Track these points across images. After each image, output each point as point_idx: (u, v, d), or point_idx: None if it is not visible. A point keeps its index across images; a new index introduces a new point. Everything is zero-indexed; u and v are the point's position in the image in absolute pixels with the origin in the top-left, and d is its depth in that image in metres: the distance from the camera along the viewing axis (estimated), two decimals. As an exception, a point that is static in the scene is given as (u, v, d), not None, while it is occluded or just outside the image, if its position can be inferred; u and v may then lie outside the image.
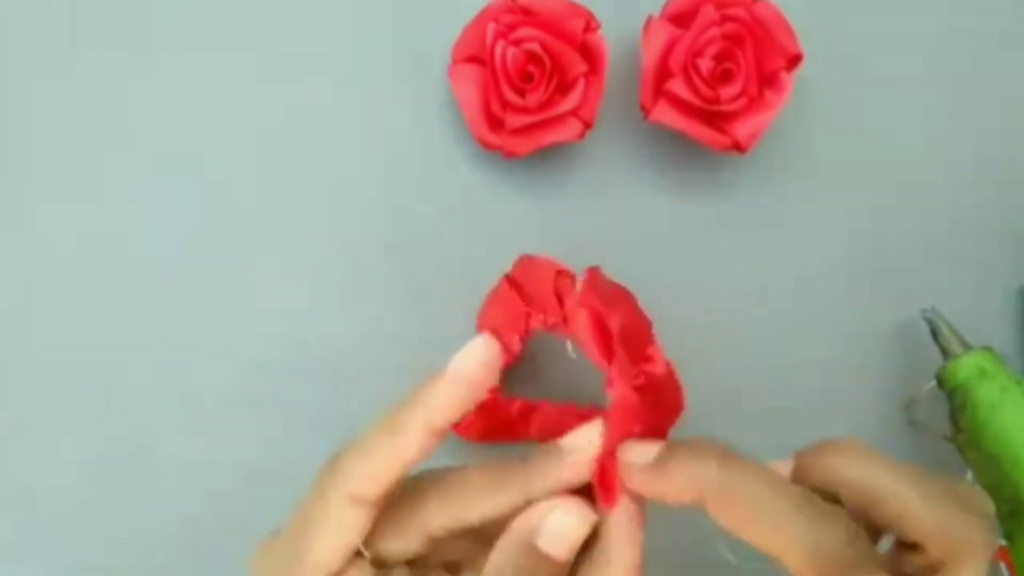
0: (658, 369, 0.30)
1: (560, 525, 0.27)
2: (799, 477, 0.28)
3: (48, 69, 0.41)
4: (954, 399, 0.37)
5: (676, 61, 0.37)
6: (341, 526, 0.27)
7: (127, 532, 0.40)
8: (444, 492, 0.28)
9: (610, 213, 0.41)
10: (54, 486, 0.40)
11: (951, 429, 0.38)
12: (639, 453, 0.27)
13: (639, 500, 0.27)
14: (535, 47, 0.37)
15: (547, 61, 0.37)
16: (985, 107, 0.42)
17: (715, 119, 0.38)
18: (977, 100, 0.42)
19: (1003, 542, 0.36)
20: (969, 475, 0.38)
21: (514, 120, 0.37)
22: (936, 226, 0.42)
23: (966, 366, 0.36)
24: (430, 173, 0.41)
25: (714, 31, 0.36)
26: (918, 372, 0.40)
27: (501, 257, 0.40)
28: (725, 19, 0.37)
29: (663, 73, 0.38)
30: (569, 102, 0.37)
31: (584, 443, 0.28)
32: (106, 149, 0.41)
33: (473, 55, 0.38)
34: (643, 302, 0.39)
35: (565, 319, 0.30)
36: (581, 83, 0.37)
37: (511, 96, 0.37)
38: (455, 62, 0.39)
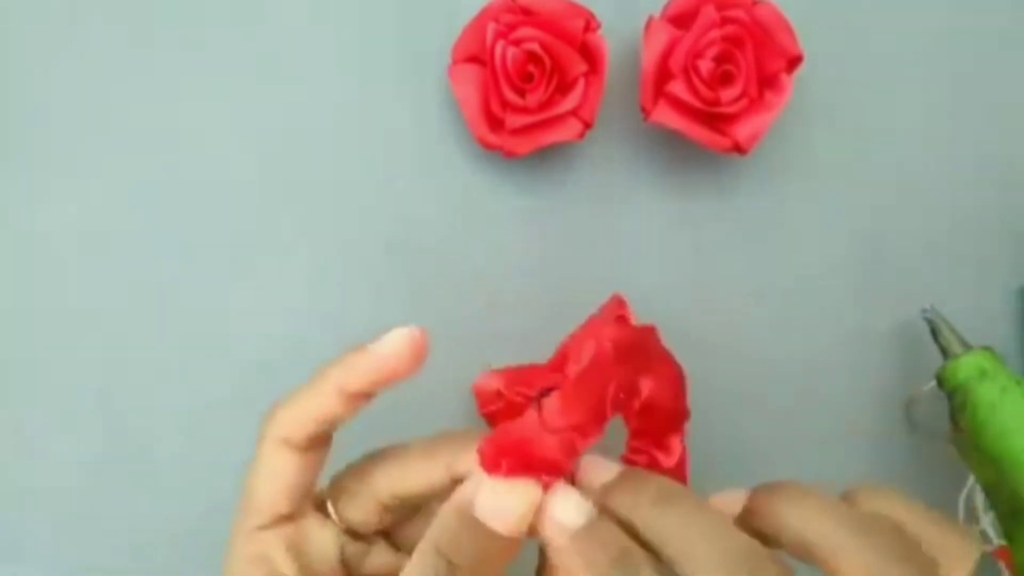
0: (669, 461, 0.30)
1: (496, 497, 0.26)
2: (747, 517, 0.28)
3: (47, 69, 0.41)
4: (954, 399, 0.37)
5: (676, 62, 0.37)
6: (274, 468, 0.29)
7: (127, 532, 0.40)
8: (387, 461, 0.30)
9: (610, 213, 0.41)
10: (54, 486, 0.40)
11: (951, 429, 0.38)
12: (573, 509, 0.27)
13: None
14: (535, 47, 0.37)
15: (547, 61, 0.37)
16: (985, 107, 0.42)
17: (715, 121, 0.38)
18: (977, 100, 0.42)
19: (1003, 542, 0.36)
20: (971, 479, 0.38)
21: (514, 120, 0.37)
22: (936, 226, 0.42)
23: (966, 366, 0.36)
24: (430, 173, 0.41)
25: (714, 33, 0.36)
26: (918, 372, 0.40)
27: (501, 257, 0.41)
28: (725, 21, 0.37)
29: (663, 74, 0.38)
30: (569, 102, 0.37)
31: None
32: (104, 149, 0.41)
33: (473, 55, 0.38)
34: (642, 302, 0.39)
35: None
36: (581, 83, 0.37)
37: (511, 96, 0.37)
38: (455, 62, 0.39)
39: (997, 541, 0.37)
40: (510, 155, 0.38)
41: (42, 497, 0.40)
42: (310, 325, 0.40)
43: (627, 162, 0.41)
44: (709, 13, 0.37)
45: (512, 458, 0.26)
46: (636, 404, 0.30)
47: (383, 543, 0.31)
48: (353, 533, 0.30)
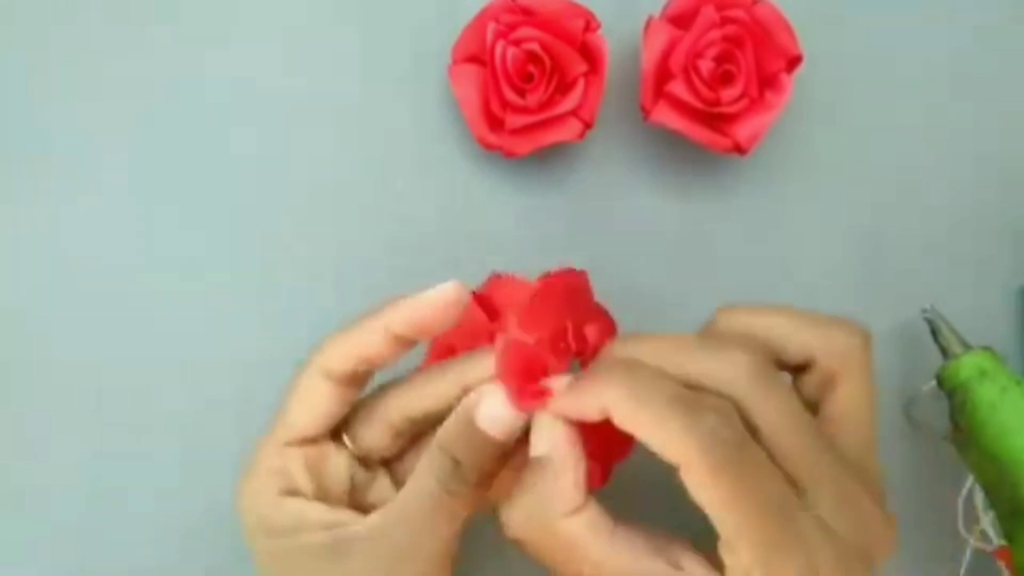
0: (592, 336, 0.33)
1: (494, 406, 0.30)
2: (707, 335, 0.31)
3: (48, 67, 0.41)
4: (954, 399, 0.37)
5: (676, 62, 0.37)
6: (313, 395, 0.31)
7: (127, 533, 0.40)
8: (398, 386, 0.32)
9: (610, 213, 0.41)
10: (54, 486, 0.40)
11: (951, 429, 0.38)
12: (559, 382, 0.30)
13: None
14: (535, 47, 0.37)
15: (547, 61, 0.37)
16: (985, 107, 0.42)
17: (715, 121, 0.38)
18: (977, 100, 0.42)
19: (1003, 542, 0.36)
20: (971, 479, 0.38)
21: (514, 120, 0.37)
22: (936, 226, 0.42)
23: (966, 366, 0.36)
24: (430, 173, 0.41)
25: (714, 33, 0.36)
26: (918, 372, 0.40)
27: (501, 257, 0.41)
28: (725, 20, 0.37)
29: (663, 74, 0.38)
30: (569, 102, 0.37)
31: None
32: (104, 149, 0.41)
33: (473, 55, 0.38)
34: (642, 303, 0.39)
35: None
36: (581, 83, 0.37)
37: (511, 96, 0.37)
38: (455, 62, 0.39)
39: (997, 541, 0.37)
40: (510, 155, 0.38)
41: (42, 497, 0.40)
42: (310, 325, 0.40)
43: (627, 162, 0.41)
44: (709, 13, 0.37)
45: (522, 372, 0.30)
46: (588, 352, 0.32)
47: (386, 476, 0.33)
48: (363, 460, 0.32)
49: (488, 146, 0.38)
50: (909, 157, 0.42)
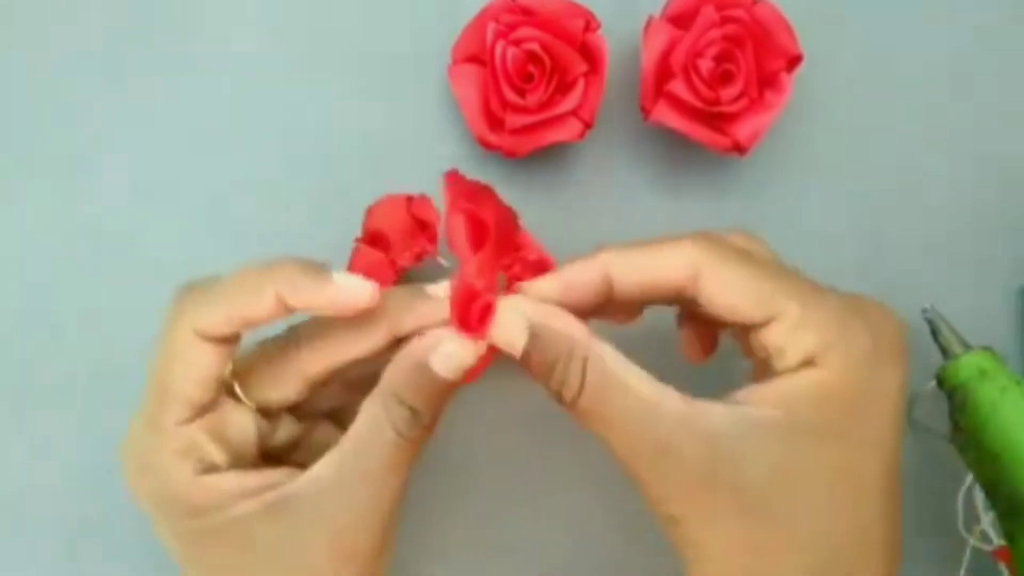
0: (531, 255, 0.33)
1: (453, 351, 0.29)
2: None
3: (47, 67, 0.41)
4: (954, 399, 0.37)
5: (676, 62, 0.37)
6: (190, 359, 0.29)
7: (125, 533, 0.40)
8: (316, 336, 0.30)
9: (610, 213, 0.41)
10: (53, 486, 0.40)
11: (951, 429, 0.38)
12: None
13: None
14: (535, 47, 0.37)
15: (547, 61, 0.37)
16: (985, 107, 0.42)
17: (715, 120, 0.38)
18: (977, 100, 0.42)
19: (1003, 542, 0.36)
20: (969, 477, 0.38)
21: (514, 120, 0.37)
22: (936, 226, 0.42)
23: (966, 366, 0.36)
24: (430, 173, 0.41)
25: (714, 32, 0.36)
26: (918, 372, 0.40)
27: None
28: (725, 20, 0.37)
29: (663, 74, 0.38)
30: (569, 102, 0.37)
31: (444, 289, 0.30)
32: (103, 148, 0.41)
33: (473, 55, 0.38)
34: None
35: (431, 239, 0.35)
36: (581, 83, 0.37)
37: (511, 96, 0.37)
38: (455, 62, 0.39)
39: (997, 541, 0.37)
40: (510, 155, 0.38)
41: (41, 498, 0.40)
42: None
43: (627, 162, 0.41)
44: (709, 13, 0.37)
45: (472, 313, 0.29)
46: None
47: (287, 415, 0.32)
48: (264, 411, 0.31)
49: (488, 146, 0.38)
50: (909, 157, 0.42)
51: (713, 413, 0.28)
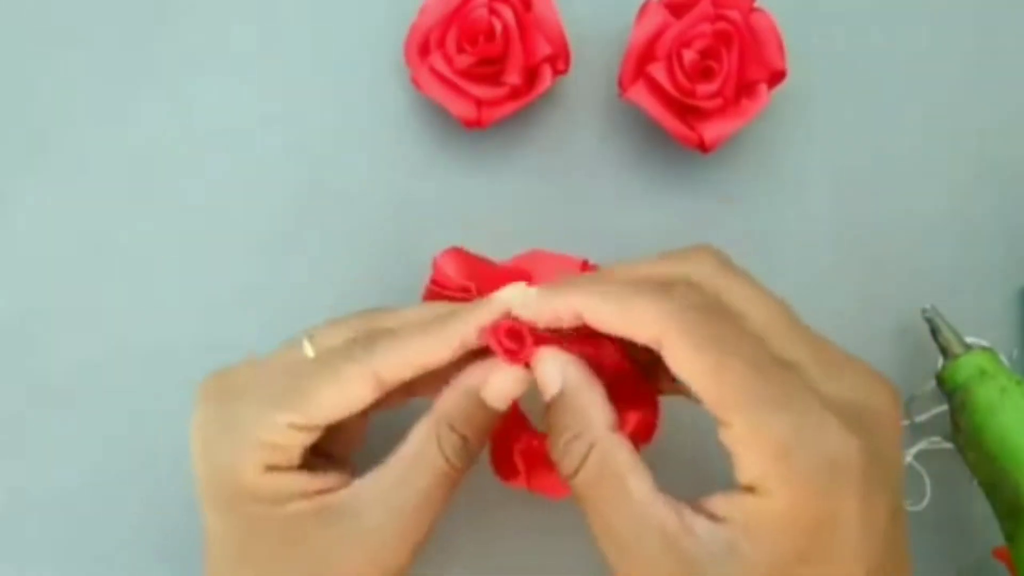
0: None
1: (503, 380, 0.30)
2: None
3: (46, 68, 0.42)
4: (954, 399, 0.37)
5: (662, 46, 0.37)
6: (353, 394, 0.29)
7: (125, 534, 0.40)
8: (391, 342, 0.30)
9: (609, 218, 0.41)
10: (53, 486, 0.40)
11: (951, 429, 0.37)
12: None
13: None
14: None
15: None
16: (985, 107, 0.42)
17: (687, 113, 0.38)
18: (977, 100, 0.42)
19: (1003, 543, 0.36)
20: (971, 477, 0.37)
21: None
22: (936, 226, 0.41)
23: (966, 366, 0.36)
24: (417, 160, 0.41)
25: (705, 26, 0.37)
26: (918, 372, 0.40)
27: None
28: (719, 17, 0.37)
29: (647, 55, 0.38)
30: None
31: (513, 294, 0.30)
32: (101, 148, 0.41)
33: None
34: None
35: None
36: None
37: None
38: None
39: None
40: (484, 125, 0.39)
41: (41, 497, 0.40)
42: (304, 321, 0.40)
43: (628, 163, 0.41)
44: (705, 7, 0.37)
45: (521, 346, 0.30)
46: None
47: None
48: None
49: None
50: (909, 157, 0.42)
51: (699, 533, 0.26)
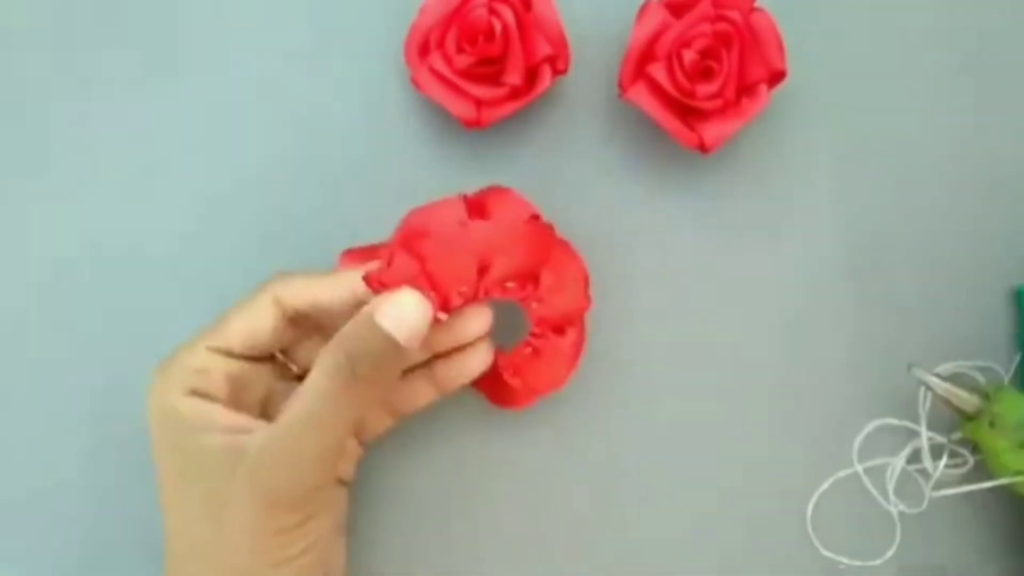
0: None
1: (399, 304, 0.32)
2: None
3: (45, 67, 0.42)
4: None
5: (663, 47, 0.37)
6: (257, 315, 0.33)
7: (124, 536, 0.40)
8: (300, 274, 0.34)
9: (608, 215, 0.41)
10: (53, 487, 0.40)
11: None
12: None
13: None
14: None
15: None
16: (985, 107, 0.42)
17: (686, 114, 0.38)
18: (978, 100, 0.42)
19: None
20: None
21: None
22: (936, 226, 0.41)
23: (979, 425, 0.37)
24: (417, 164, 0.41)
25: (705, 27, 0.36)
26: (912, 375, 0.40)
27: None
28: (719, 18, 0.37)
29: (647, 56, 0.38)
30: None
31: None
32: (99, 148, 0.41)
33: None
34: (650, 307, 0.41)
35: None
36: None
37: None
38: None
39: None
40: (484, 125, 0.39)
41: (40, 497, 0.40)
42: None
43: (629, 163, 0.41)
44: (706, 7, 0.37)
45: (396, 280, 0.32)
46: (534, 295, 0.35)
47: (269, 363, 0.35)
48: (253, 358, 0.34)
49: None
50: (908, 157, 0.42)
51: None
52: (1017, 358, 0.40)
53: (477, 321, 0.35)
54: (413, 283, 0.32)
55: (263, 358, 0.34)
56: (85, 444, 0.40)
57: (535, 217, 0.35)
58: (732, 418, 0.41)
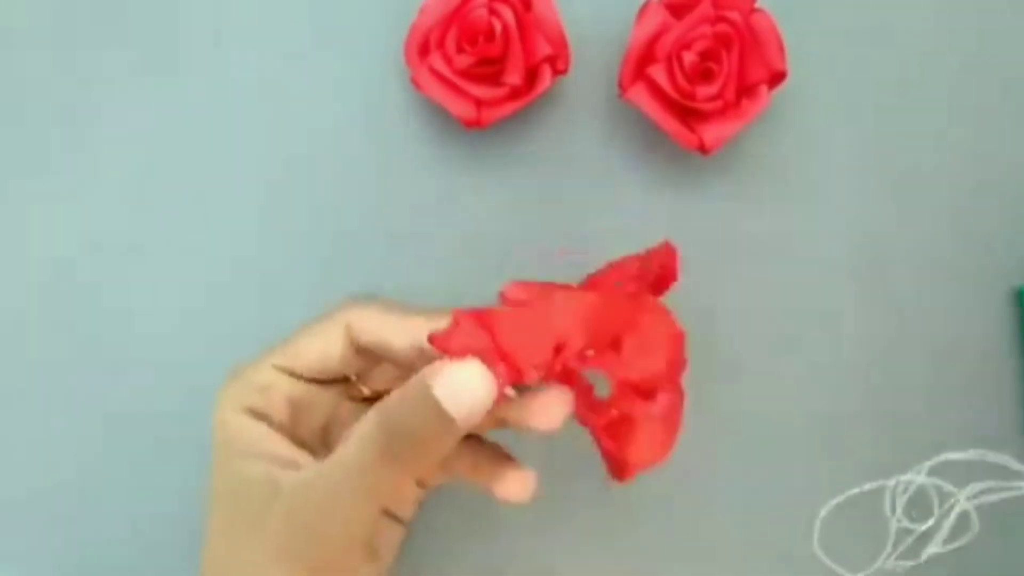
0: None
1: (460, 374, 0.27)
2: None
3: (45, 67, 0.42)
4: None
5: (662, 48, 0.37)
6: (328, 338, 0.31)
7: (124, 536, 0.40)
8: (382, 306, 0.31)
9: (607, 214, 0.41)
10: (53, 487, 0.40)
11: None
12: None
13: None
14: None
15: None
16: (986, 107, 0.42)
17: (687, 115, 0.38)
18: (978, 100, 0.42)
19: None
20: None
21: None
22: (936, 226, 0.41)
23: None
24: (417, 164, 0.41)
25: (706, 28, 0.36)
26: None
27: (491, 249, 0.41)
28: (719, 19, 0.37)
29: (647, 57, 0.38)
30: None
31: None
32: (97, 148, 0.41)
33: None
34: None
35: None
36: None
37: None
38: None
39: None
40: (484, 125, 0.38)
41: (41, 497, 0.40)
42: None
43: (629, 163, 0.41)
44: (706, 8, 0.37)
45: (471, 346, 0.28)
46: (616, 361, 0.31)
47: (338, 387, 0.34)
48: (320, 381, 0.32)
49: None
50: (909, 158, 0.42)
51: None
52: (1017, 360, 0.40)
53: (558, 406, 0.30)
54: (481, 355, 0.28)
55: (330, 381, 0.33)
56: (85, 444, 0.40)
57: (675, 335, 0.32)
58: (732, 418, 0.41)
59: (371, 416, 0.28)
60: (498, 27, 0.37)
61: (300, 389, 0.31)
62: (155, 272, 0.41)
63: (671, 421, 0.32)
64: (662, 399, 0.32)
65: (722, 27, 0.37)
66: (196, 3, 0.42)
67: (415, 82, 0.38)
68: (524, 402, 0.30)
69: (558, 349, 0.29)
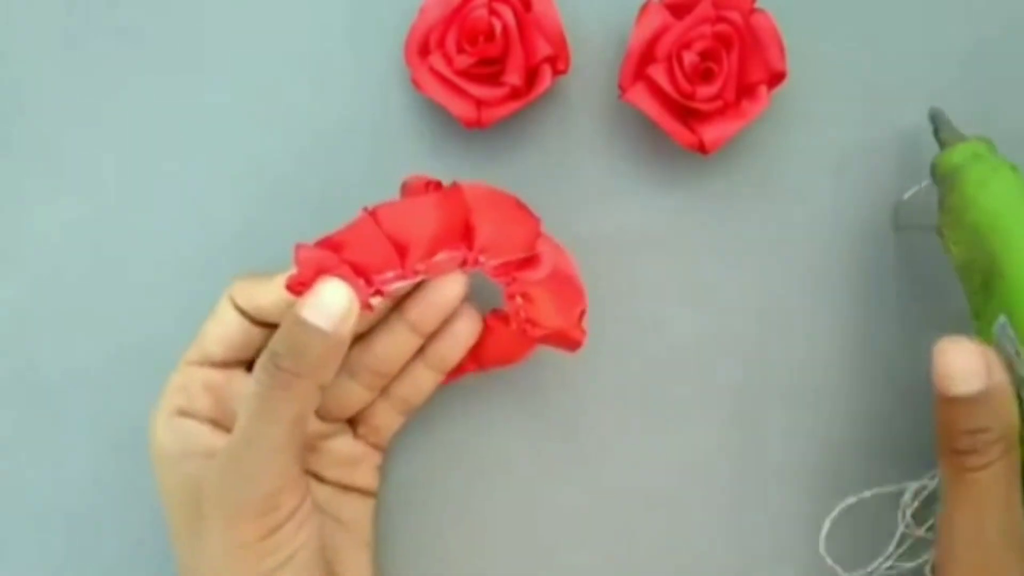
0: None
1: (319, 293, 0.30)
2: None
3: (45, 66, 0.42)
4: (945, 184, 0.36)
5: (663, 48, 0.37)
6: (222, 320, 0.33)
7: (124, 536, 0.40)
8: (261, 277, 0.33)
9: (608, 211, 0.41)
10: (53, 487, 0.40)
11: (938, 218, 0.36)
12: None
13: None
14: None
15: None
16: (985, 107, 0.42)
17: (686, 115, 0.38)
18: (978, 100, 0.42)
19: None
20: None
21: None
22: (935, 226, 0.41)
23: (961, 151, 0.35)
24: (417, 160, 0.41)
25: (706, 28, 0.36)
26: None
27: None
28: (720, 19, 0.37)
29: (647, 57, 0.38)
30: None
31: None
32: (96, 147, 0.41)
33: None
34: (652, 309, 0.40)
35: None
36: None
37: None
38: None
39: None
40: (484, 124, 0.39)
41: (40, 496, 0.40)
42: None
43: (629, 163, 0.41)
44: (706, 8, 0.37)
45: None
46: (475, 252, 0.33)
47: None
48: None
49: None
50: (908, 158, 0.42)
51: None
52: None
53: (450, 285, 0.34)
54: (333, 274, 0.31)
55: (249, 360, 0.34)
56: (85, 444, 0.40)
57: (435, 185, 0.34)
58: (732, 418, 0.41)
59: (257, 366, 0.30)
60: (498, 27, 0.37)
61: (217, 376, 0.33)
62: (155, 272, 0.41)
63: (561, 270, 0.34)
64: (542, 259, 0.34)
65: (722, 27, 0.37)
66: (196, 4, 0.42)
67: (415, 82, 0.38)
68: (419, 293, 0.34)
69: (402, 252, 0.31)
